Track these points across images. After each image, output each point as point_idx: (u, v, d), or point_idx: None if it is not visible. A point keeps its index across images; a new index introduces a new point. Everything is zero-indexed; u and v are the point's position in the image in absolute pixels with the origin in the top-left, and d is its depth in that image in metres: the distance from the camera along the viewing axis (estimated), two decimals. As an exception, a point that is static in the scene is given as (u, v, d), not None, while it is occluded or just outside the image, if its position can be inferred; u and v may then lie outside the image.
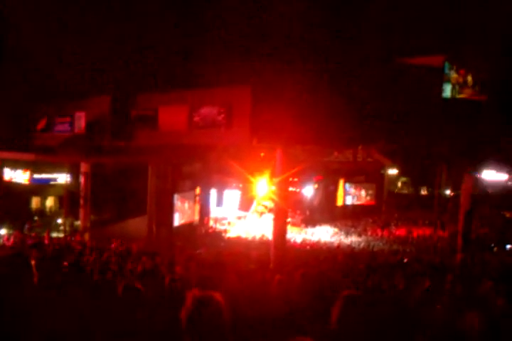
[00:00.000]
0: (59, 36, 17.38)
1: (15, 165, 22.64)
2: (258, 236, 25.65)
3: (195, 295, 2.78)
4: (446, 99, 13.39)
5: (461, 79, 13.37)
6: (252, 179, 25.73)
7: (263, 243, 22.52)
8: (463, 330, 3.33)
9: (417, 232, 26.69)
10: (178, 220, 24.76)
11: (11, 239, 19.97)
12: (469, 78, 13.51)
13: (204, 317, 2.68)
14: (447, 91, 13.40)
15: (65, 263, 7.51)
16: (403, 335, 3.70)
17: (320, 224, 29.65)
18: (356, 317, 3.07)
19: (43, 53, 17.50)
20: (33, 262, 4.24)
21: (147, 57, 17.40)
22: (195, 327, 2.68)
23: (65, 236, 21.28)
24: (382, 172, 33.79)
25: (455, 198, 26.24)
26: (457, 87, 13.39)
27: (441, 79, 13.53)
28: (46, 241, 18.60)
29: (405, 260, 16.81)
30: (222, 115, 15.72)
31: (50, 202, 26.17)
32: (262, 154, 16.32)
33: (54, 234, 21.78)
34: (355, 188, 33.62)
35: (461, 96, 13.54)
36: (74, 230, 22.48)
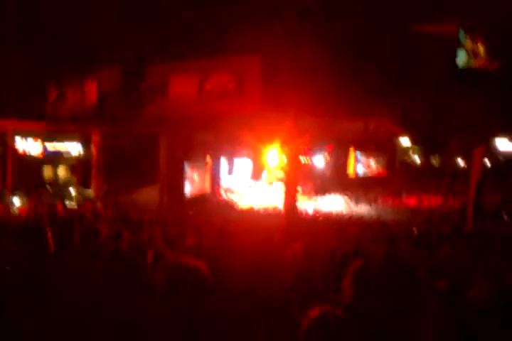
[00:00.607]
0: (72, 3, 17.26)
1: (26, 134, 22.74)
2: (269, 206, 25.76)
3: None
4: (459, 69, 13.24)
5: (475, 48, 13.19)
6: (262, 148, 25.72)
7: (274, 212, 22.64)
8: (474, 298, 3.37)
9: (428, 201, 26.69)
10: (189, 190, 24.90)
11: (25, 209, 20.21)
12: (482, 47, 13.32)
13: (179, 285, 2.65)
14: (461, 59, 13.24)
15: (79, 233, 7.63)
16: (415, 302, 3.74)
17: (331, 194, 29.68)
18: (369, 287, 3.08)
19: (56, 21, 17.41)
20: (48, 232, 4.31)
21: (158, 26, 17.26)
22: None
23: (78, 205, 21.51)
24: (393, 141, 33.61)
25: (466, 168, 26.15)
26: (471, 56, 13.22)
27: (455, 47, 13.35)
28: (59, 209, 18.81)
29: (415, 230, 16.90)
30: (233, 84, 15.67)
31: (62, 171, 26.37)
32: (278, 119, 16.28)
33: (66, 203, 22.01)
34: (367, 158, 33.52)
35: (474, 65, 13.38)
36: (86, 199, 22.70)
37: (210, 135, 26.39)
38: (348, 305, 2.83)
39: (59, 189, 24.55)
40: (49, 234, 4.24)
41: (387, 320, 2.77)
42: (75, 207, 21.25)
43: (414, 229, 16.08)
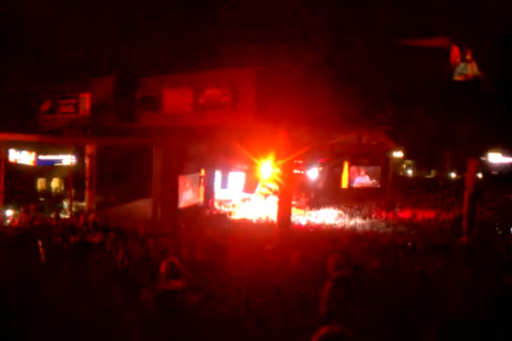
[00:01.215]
0: (65, 16, 17.30)
1: (20, 146, 22.71)
2: (263, 219, 25.72)
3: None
4: (451, 83, 13.33)
5: (467, 62, 13.29)
6: (256, 161, 25.74)
7: (267, 225, 22.60)
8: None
9: (422, 215, 26.71)
10: (182, 202, 24.86)
11: (17, 220, 20.11)
12: (474, 62, 13.43)
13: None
14: (453, 73, 13.33)
15: (71, 243, 7.59)
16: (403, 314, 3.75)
17: (325, 207, 29.68)
18: (345, 298, 3.07)
19: (49, 33, 17.44)
20: (39, 242, 4.30)
21: (152, 39, 17.33)
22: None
23: (71, 218, 21.42)
24: (386, 154, 33.71)
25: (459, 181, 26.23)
26: (463, 70, 13.32)
27: (447, 61, 13.45)
28: (53, 223, 18.74)
29: (409, 243, 16.88)
30: (228, 96, 15.70)
31: (55, 183, 26.29)
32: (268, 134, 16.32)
33: (59, 216, 21.91)
34: (360, 171, 33.58)
35: (466, 79, 13.47)
36: (79, 211, 22.62)
37: (204, 147, 26.42)
38: (324, 315, 2.83)
39: (52, 201, 24.48)
40: (40, 245, 4.23)
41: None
42: (68, 219, 21.16)
43: (407, 241, 16.07)
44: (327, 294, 3.11)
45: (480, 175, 26.86)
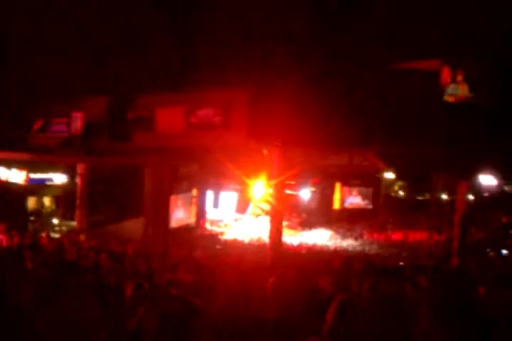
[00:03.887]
0: (56, 35, 17.39)
1: (11, 165, 22.61)
2: (254, 239, 25.64)
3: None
4: (443, 104, 13.43)
5: (459, 83, 13.41)
6: (248, 181, 25.72)
7: (259, 245, 22.53)
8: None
9: (413, 236, 26.72)
10: (174, 222, 24.75)
11: (7, 240, 19.90)
12: (466, 82, 13.55)
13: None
14: (445, 95, 13.44)
15: (62, 264, 7.50)
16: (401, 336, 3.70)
17: (316, 227, 29.65)
18: (350, 322, 3.08)
19: (39, 52, 17.51)
20: (29, 263, 4.25)
21: (145, 59, 17.42)
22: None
23: (61, 237, 21.24)
24: (378, 176, 33.81)
25: (451, 203, 26.29)
26: (456, 91, 13.43)
27: (439, 82, 13.56)
28: (45, 242, 18.54)
29: (401, 263, 16.85)
30: (220, 117, 15.74)
31: (46, 202, 26.14)
32: (264, 152, 16.33)
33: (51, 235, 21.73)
34: (352, 192, 33.63)
35: (458, 101, 13.58)
36: (70, 231, 22.46)
37: (196, 167, 26.42)
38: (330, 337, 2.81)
39: (43, 220, 24.31)
40: (29, 265, 4.18)
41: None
42: (59, 238, 20.98)
43: (399, 263, 16.05)
44: (333, 314, 3.15)
45: (471, 197, 26.96)
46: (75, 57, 17.34)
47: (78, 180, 23.36)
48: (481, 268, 14.44)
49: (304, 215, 31.30)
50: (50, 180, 23.89)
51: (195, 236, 25.42)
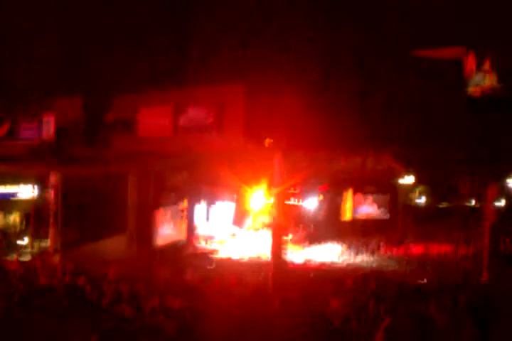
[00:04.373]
0: (29, 31, 17.40)
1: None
2: (254, 257, 25.52)
3: None
4: (469, 98, 13.37)
5: (486, 75, 13.36)
6: (247, 190, 25.66)
7: (260, 264, 22.41)
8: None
9: (437, 248, 26.61)
10: (161, 239, 24.63)
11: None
12: (493, 74, 13.50)
13: None
14: (471, 88, 13.38)
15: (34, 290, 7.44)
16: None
17: (325, 242, 29.51)
18: None
19: (9, 49, 17.50)
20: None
21: (126, 53, 17.40)
22: None
23: (32, 260, 21.11)
24: (394, 181, 33.69)
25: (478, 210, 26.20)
26: (482, 84, 13.38)
27: (464, 74, 13.51)
28: (14, 267, 18.39)
29: (424, 280, 16.77)
30: (212, 117, 15.71)
31: (14, 218, 25.99)
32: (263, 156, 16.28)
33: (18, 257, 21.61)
34: (365, 200, 33.53)
35: (483, 92, 13.53)
36: (42, 252, 22.33)
37: (187, 175, 26.31)
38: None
39: (10, 240, 24.17)
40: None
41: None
42: (29, 261, 20.86)
43: (421, 280, 15.95)
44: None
45: (502, 203, 26.87)
46: (45, 52, 17.31)
47: (51, 192, 23.23)
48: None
49: (310, 228, 31.16)
50: (16, 194, 23.76)
51: (185, 255, 25.28)
